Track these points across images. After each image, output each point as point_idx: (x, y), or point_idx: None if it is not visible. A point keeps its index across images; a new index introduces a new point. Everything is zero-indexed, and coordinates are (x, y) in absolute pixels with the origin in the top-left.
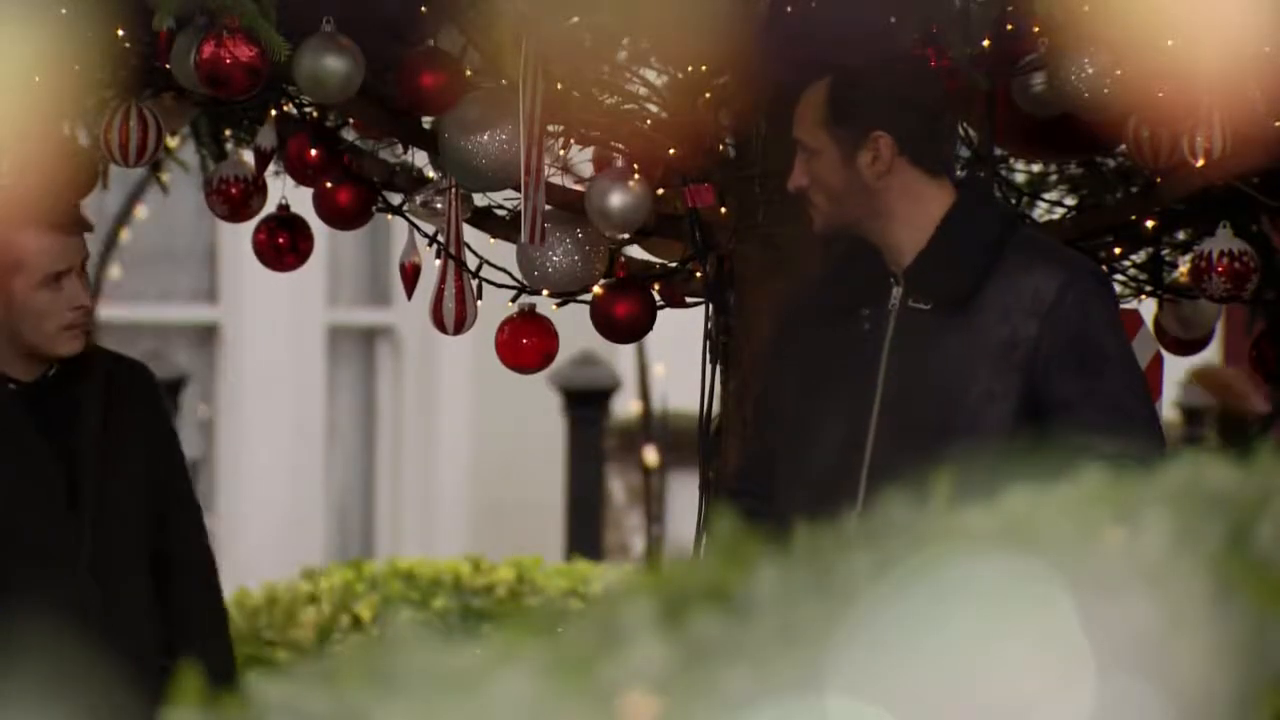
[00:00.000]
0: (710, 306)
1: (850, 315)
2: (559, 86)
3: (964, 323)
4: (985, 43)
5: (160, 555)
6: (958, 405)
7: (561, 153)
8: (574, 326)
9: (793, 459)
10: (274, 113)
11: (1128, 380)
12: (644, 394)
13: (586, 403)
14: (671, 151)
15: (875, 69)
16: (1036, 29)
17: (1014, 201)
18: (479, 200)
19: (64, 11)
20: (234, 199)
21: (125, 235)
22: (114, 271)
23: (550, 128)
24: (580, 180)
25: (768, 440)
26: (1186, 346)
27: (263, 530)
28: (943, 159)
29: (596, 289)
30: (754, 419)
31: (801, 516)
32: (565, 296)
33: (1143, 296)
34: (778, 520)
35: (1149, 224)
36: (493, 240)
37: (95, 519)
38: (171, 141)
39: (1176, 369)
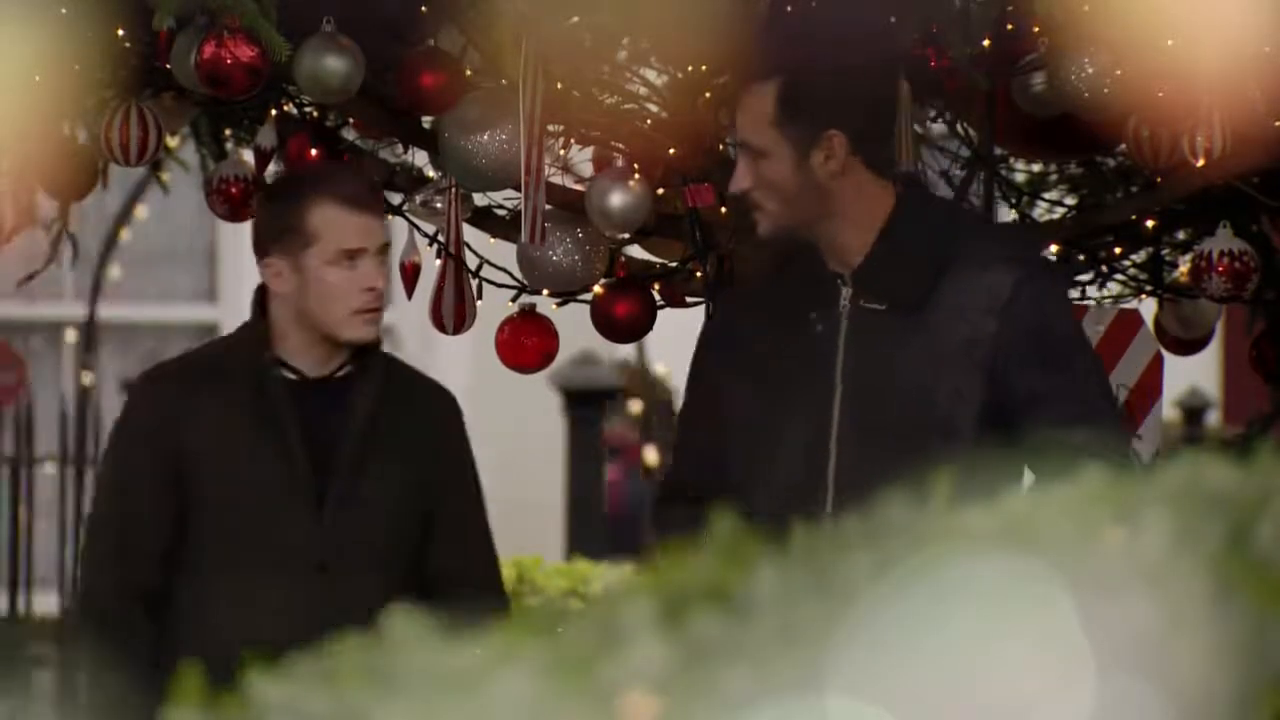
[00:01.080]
0: (710, 306)
1: (797, 318)
2: (559, 86)
3: (922, 322)
4: (985, 42)
5: (428, 568)
6: (927, 404)
7: (561, 152)
8: (574, 325)
9: (752, 464)
10: (274, 112)
11: (1089, 371)
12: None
13: (586, 402)
14: (671, 151)
15: (828, 66)
16: (1036, 29)
17: (1014, 202)
18: (479, 200)
19: (64, 11)
20: (234, 199)
21: (125, 235)
22: (114, 271)
23: (550, 127)
24: (580, 180)
25: (705, 443)
26: (1186, 346)
27: None
28: (892, 158)
29: (597, 289)
30: (685, 423)
31: (768, 520)
32: (565, 296)
33: (1143, 296)
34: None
35: (1149, 224)
36: (493, 240)
37: (338, 520)
38: (172, 141)
39: (1176, 369)
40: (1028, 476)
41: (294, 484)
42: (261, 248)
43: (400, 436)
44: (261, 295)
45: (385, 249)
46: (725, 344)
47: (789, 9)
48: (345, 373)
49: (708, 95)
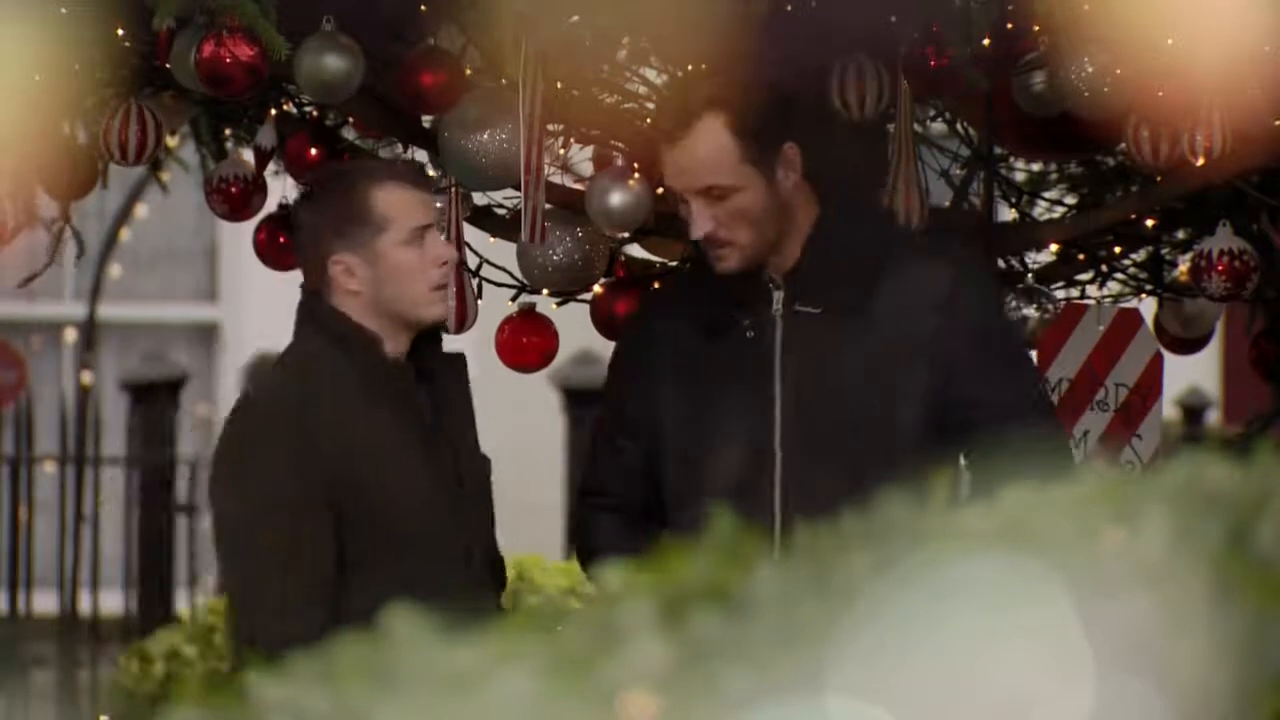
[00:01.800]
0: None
1: (726, 324)
2: (559, 86)
3: (860, 324)
4: (985, 42)
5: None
6: (871, 406)
7: (561, 152)
8: (574, 325)
9: (689, 471)
10: (274, 112)
11: (1029, 370)
12: None
13: (586, 401)
14: None
15: (762, 81)
16: (1036, 28)
17: (1013, 201)
18: (479, 199)
19: (64, 11)
20: (234, 198)
21: (125, 234)
22: (114, 270)
23: (550, 127)
24: (580, 179)
25: (628, 449)
26: (1186, 345)
27: None
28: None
29: (597, 288)
30: (607, 427)
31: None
32: (565, 295)
33: (1143, 295)
34: (676, 530)
35: (1149, 223)
36: (493, 239)
37: (476, 501)
38: (171, 141)
39: (1176, 368)
40: (968, 476)
41: (441, 475)
42: (324, 250)
43: (462, 410)
44: (312, 303)
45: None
46: (650, 347)
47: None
48: (425, 350)
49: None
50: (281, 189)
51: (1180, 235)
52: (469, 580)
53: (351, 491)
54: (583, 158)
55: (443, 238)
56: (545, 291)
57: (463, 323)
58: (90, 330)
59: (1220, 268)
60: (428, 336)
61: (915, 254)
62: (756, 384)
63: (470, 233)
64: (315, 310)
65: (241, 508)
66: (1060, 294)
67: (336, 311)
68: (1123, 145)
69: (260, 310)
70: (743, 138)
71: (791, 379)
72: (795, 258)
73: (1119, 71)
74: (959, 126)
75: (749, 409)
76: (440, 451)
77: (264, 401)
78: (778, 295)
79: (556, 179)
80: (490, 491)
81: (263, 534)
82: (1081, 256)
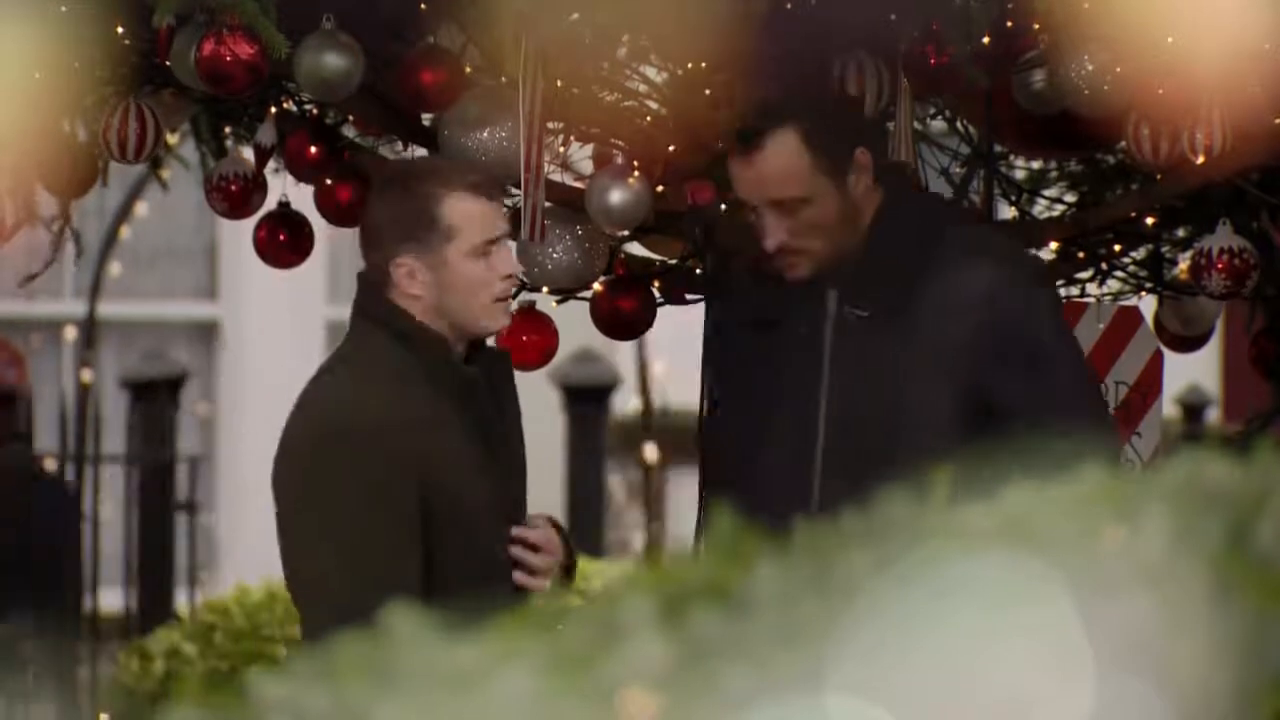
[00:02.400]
0: (710, 303)
1: (783, 322)
2: (559, 84)
3: (903, 327)
4: (985, 40)
5: None
6: (903, 411)
7: (561, 150)
8: (574, 323)
9: (737, 467)
10: (274, 110)
11: (1071, 374)
12: (644, 391)
13: (586, 399)
14: (671, 149)
15: (827, 89)
16: (1036, 26)
17: (1013, 199)
18: None
19: (64, 9)
20: (234, 196)
21: (125, 232)
22: (114, 268)
23: (550, 125)
24: (580, 177)
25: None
26: (1186, 343)
27: (263, 527)
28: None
29: (596, 286)
30: (708, 427)
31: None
32: (565, 293)
33: (1143, 293)
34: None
35: (1149, 221)
36: None
37: (516, 511)
38: (171, 138)
39: (1176, 366)
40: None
41: (500, 475)
42: (388, 249)
43: (515, 408)
44: (373, 297)
45: (508, 235)
46: (721, 349)
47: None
48: (480, 355)
49: (708, 92)
50: (281, 187)
51: (1180, 233)
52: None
53: (433, 500)
54: (582, 156)
55: (512, 248)
56: (545, 289)
57: None
58: (90, 328)
59: (1220, 266)
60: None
61: (960, 254)
62: (804, 381)
63: None
64: (376, 305)
65: (307, 506)
66: (1060, 292)
67: (399, 309)
68: (1123, 143)
69: (260, 308)
70: (815, 150)
71: (837, 381)
72: (853, 258)
73: (1119, 69)
74: (959, 124)
75: (795, 412)
76: (499, 452)
77: (340, 402)
78: (832, 295)
79: (556, 177)
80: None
81: (344, 535)
82: (1081, 254)
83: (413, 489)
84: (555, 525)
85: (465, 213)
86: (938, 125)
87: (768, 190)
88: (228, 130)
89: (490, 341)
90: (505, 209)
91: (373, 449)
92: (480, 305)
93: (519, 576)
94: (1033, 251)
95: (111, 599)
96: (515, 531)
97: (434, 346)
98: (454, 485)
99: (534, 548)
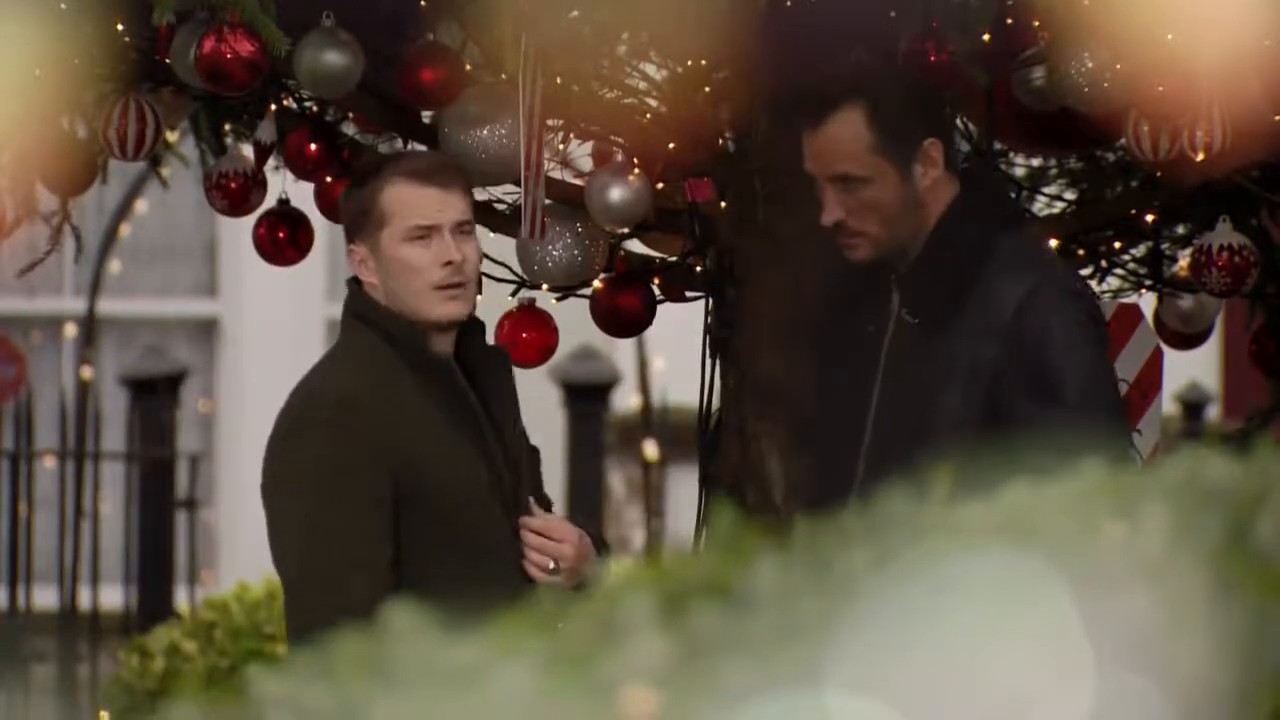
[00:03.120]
0: (710, 301)
1: (856, 321)
2: (559, 81)
3: (941, 340)
4: (985, 37)
5: None
6: (932, 422)
7: (561, 147)
8: (574, 321)
9: (803, 460)
10: (274, 107)
11: (1087, 399)
12: (644, 388)
13: (586, 397)
14: (671, 146)
15: (903, 77)
16: (1036, 23)
17: (1013, 196)
18: (479, 195)
19: (64, 6)
20: (234, 193)
21: (125, 230)
22: (114, 266)
23: (550, 122)
24: (580, 175)
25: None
26: (1186, 341)
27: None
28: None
29: (596, 283)
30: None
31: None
32: (565, 291)
33: (1142, 291)
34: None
35: (1149, 218)
36: (492, 235)
37: (526, 491)
38: (171, 136)
39: (1176, 363)
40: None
41: (492, 468)
42: (347, 237)
43: (509, 403)
44: (353, 293)
45: (466, 225)
46: (812, 343)
47: (816, 30)
48: (468, 348)
49: (708, 89)
50: (281, 184)
51: (1180, 230)
52: (522, 570)
53: (407, 484)
54: (582, 153)
55: (471, 239)
56: (545, 287)
57: None
58: (90, 325)
59: (1220, 263)
60: (469, 331)
61: (1003, 268)
62: (860, 382)
63: None
64: (358, 301)
65: (288, 485)
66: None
67: (372, 300)
68: (1122, 140)
69: (260, 305)
70: (879, 130)
71: (888, 386)
72: (914, 258)
73: (1119, 67)
74: (959, 122)
75: (848, 407)
76: (489, 444)
77: (315, 389)
78: (895, 297)
79: (556, 174)
80: (540, 481)
81: (309, 509)
82: (1081, 252)
83: (384, 473)
84: (581, 527)
85: (398, 198)
86: None
87: (829, 165)
88: (227, 127)
89: (490, 340)
90: (460, 196)
91: (342, 430)
92: (416, 292)
93: (534, 569)
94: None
95: (111, 596)
96: (526, 521)
97: (407, 334)
98: (431, 473)
99: (547, 537)
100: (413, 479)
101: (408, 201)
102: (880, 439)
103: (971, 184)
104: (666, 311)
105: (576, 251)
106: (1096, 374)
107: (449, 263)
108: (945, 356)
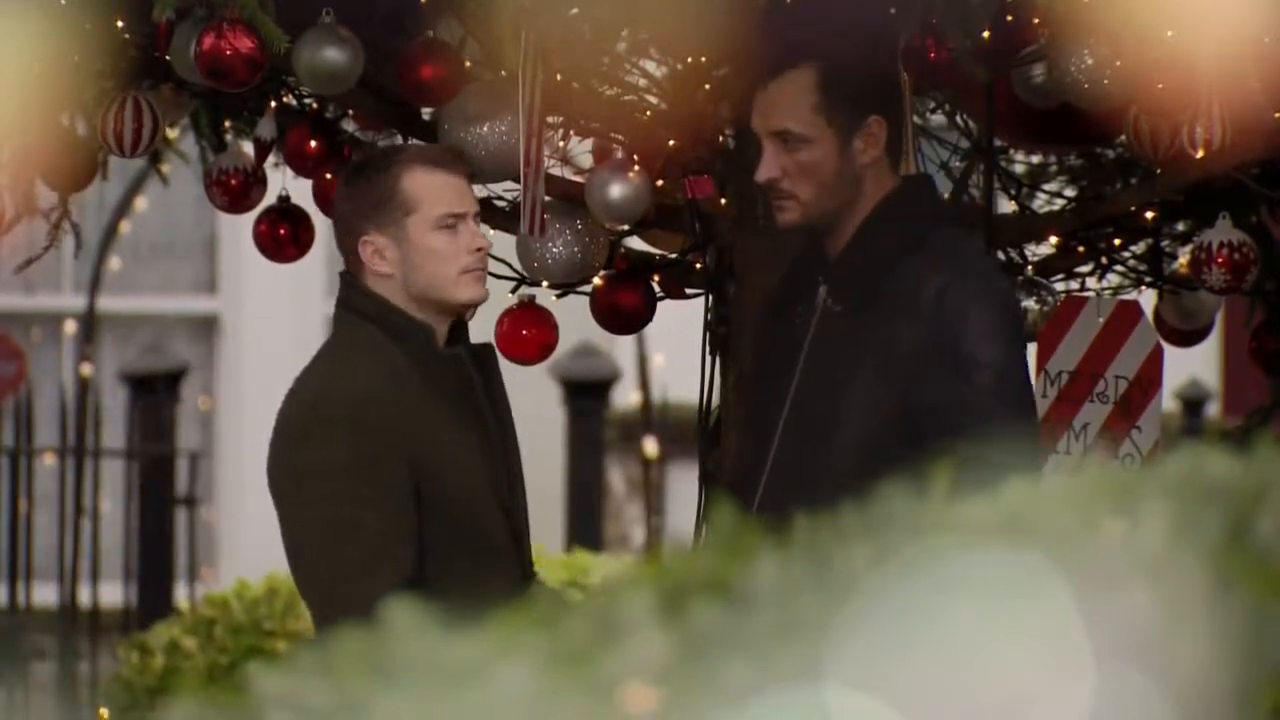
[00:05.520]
0: (710, 298)
1: (788, 311)
2: (559, 78)
3: (864, 326)
4: (985, 34)
5: None
6: (841, 413)
7: (561, 144)
8: (573, 318)
9: (738, 456)
10: (273, 104)
11: (997, 386)
12: (644, 385)
13: (586, 394)
14: (671, 143)
15: (866, 52)
16: (1036, 20)
17: (1013, 193)
18: (479, 191)
19: (63, 3)
20: (234, 190)
21: (125, 227)
22: (114, 263)
23: (550, 119)
24: (580, 172)
25: None
26: (1186, 338)
27: (263, 522)
28: (901, 150)
29: (596, 280)
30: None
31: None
32: (565, 288)
33: (1142, 288)
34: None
35: (1148, 215)
36: (492, 231)
37: (520, 488)
38: (171, 133)
39: (1176, 360)
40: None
41: (494, 464)
42: (356, 231)
43: (504, 398)
44: (351, 287)
45: (479, 213)
46: (756, 333)
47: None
48: (465, 339)
49: (707, 87)
50: (281, 181)
51: (1180, 227)
52: (520, 565)
53: (422, 481)
54: (582, 150)
55: (484, 229)
56: (545, 283)
57: None
58: (90, 322)
59: (1220, 260)
60: (454, 327)
61: (927, 260)
62: (781, 374)
63: None
64: (358, 297)
65: (311, 483)
66: (1060, 286)
67: (379, 296)
68: (1123, 137)
69: (260, 302)
70: (825, 92)
71: (805, 379)
72: (846, 243)
73: (1119, 64)
74: (959, 119)
75: (768, 401)
76: (493, 441)
77: (328, 387)
78: (822, 289)
79: (556, 171)
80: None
81: (336, 506)
82: (1081, 249)
83: (405, 468)
84: None
85: (425, 184)
86: (938, 119)
87: (771, 119)
88: (227, 124)
89: (490, 338)
90: (470, 185)
91: (361, 424)
92: (448, 277)
93: None
94: (1030, 246)
95: (111, 593)
96: None
97: (417, 334)
98: (443, 470)
99: None
100: (427, 476)
101: (434, 188)
102: (795, 422)
103: (911, 182)
104: (666, 308)
105: (576, 248)
106: (1008, 364)
107: (479, 249)
108: (864, 337)
